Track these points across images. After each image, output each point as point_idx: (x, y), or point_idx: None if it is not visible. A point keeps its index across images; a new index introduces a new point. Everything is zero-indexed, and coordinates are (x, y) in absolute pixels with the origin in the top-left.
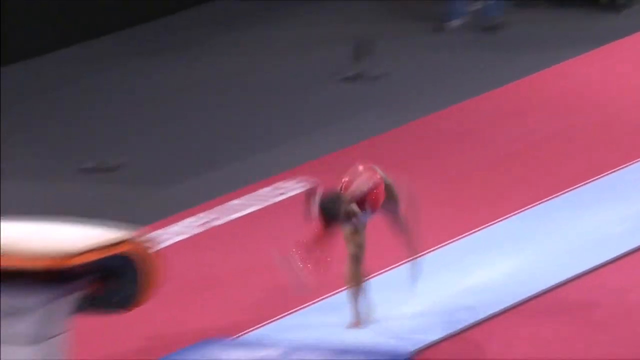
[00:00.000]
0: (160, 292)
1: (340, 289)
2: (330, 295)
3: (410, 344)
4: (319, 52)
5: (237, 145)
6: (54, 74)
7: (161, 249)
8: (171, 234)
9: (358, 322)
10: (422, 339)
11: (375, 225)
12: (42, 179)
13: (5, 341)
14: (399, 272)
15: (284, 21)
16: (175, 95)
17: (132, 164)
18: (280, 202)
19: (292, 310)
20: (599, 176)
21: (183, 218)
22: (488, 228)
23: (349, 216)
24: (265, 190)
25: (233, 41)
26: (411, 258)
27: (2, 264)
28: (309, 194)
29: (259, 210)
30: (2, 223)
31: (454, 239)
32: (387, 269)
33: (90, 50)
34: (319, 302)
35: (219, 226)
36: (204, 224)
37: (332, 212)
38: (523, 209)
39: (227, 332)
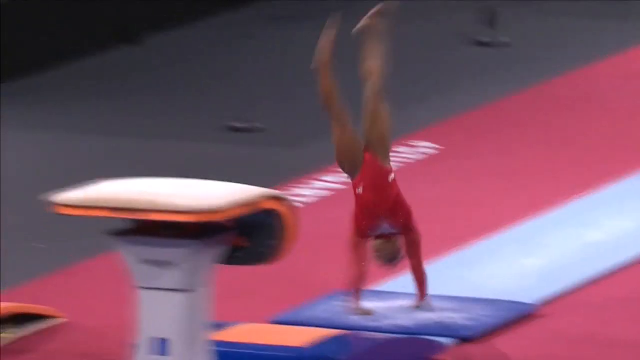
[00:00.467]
0: (295, 247)
1: (460, 245)
2: (459, 249)
3: (534, 296)
4: (452, 16)
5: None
6: (206, 39)
7: (299, 206)
8: (309, 191)
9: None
10: (545, 291)
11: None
12: (187, 138)
13: (156, 292)
14: (519, 229)
15: None
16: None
17: (274, 126)
18: (413, 161)
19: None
20: None
21: (319, 176)
22: (610, 186)
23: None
24: (400, 149)
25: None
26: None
27: (152, 217)
28: None
29: (395, 168)
30: (152, 180)
31: (579, 195)
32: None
33: (237, 17)
34: (448, 256)
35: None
36: (343, 180)
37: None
38: None
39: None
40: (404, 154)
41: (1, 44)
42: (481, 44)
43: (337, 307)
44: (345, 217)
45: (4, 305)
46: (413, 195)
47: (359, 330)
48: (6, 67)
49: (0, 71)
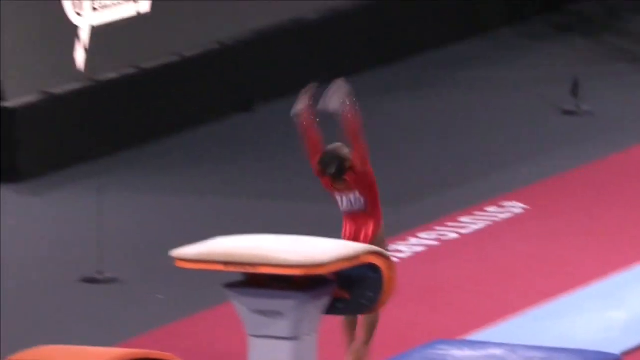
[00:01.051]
0: (397, 297)
1: (547, 299)
2: (547, 302)
3: (619, 347)
4: (538, 88)
5: (467, 168)
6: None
7: (400, 260)
8: (409, 246)
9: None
10: (629, 342)
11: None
12: (295, 198)
13: (265, 340)
14: (603, 284)
15: (507, 62)
16: (416, 124)
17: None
18: (502, 220)
19: (511, 316)
20: None
21: (419, 232)
22: None
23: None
24: (490, 208)
25: (466, 80)
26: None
27: (262, 270)
28: None
29: (486, 226)
30: (262, 236)
31: None
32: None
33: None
34: (535, 310)
35: (451, 240)
36: (437, 239)
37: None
38: None
39: (455, 333)
40: (495, 214)
41: (124, 114)
42: (566, 112)
43: (433, 355)
44: (439, 271)
45: (128, 350)
46: (504, 252)
47: None
48: (130, 135)
49: (120, 140)
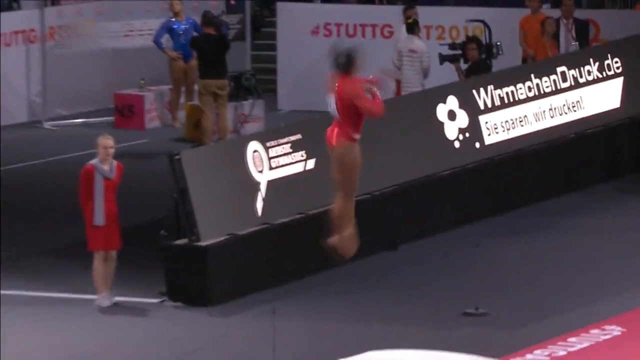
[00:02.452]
0: None
1: None
2: None
3: None
4: (631, 233)
5: (572, 298)
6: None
7: None
8: None
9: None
10: None
11: None
12: (428, 324)
13: None
14: None
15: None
16: (530, 262)
17: (495, 310)
18: (605, 340)
19: None
20: None
21: (535, 350)
22: None
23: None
24: (594, 331)
25: (569, 226)
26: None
27: None
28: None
29: (589, 345)
30: (403, 353)
31: None
32: None
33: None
34: None
35: (560, 356)
36: (549, 355)
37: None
38: None
39: None
40: (597, 335)
41: (293, 251)
42: None
43: None
44: None
45: None
46: None
47: None
48: (299, 267)
49: (291, 271)
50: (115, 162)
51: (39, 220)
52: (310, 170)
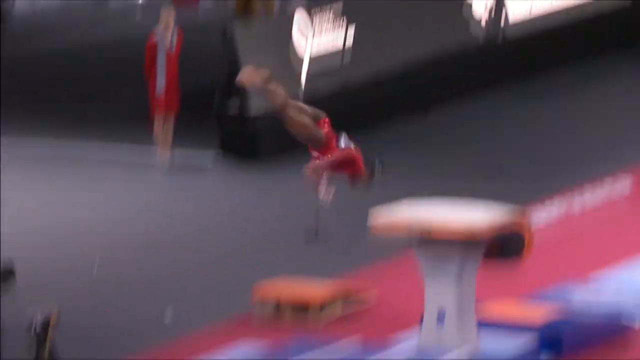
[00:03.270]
0: (535, 248)
1: None
2: None
3: None
4: None
5: (592, 151)
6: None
7: (535, 224)
8: (542, 214)
9: None
10: None
11: None
12: (460, 178)
13: (438, 281)
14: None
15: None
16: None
17: (517, 165)
18: (617, 192)
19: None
20: None
21: (551, 201)
22: None
23: None
24: (608, 182)
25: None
26: None
27: (436, 236)
28: None
29: (604, 196)
30: (436, 203)
31: None
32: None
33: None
34: None
35: (576, 205)
36: (567, 204)
37: None
38: None
39: (581, 275)
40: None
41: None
42: None
43: (562, 295)
44: (569, 225)
45: (334, 288)
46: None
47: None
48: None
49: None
50: (176, 34)
51: (108, 88)
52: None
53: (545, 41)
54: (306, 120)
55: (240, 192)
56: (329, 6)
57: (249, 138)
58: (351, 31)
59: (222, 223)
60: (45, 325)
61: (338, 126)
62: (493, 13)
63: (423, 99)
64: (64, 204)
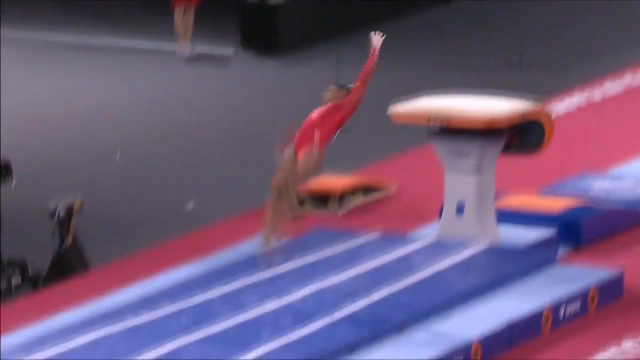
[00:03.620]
0: (554, 140)
1: None
2: None
3: None
4: None
5: (612, 46)
6: None
7: (555, 115)
8: (562, 105)
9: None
10: None
11: None
12: (475, 70)
13: (457, 173)
14: None
15: None
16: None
17: (537, 58)
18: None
19: None
20: None
21: (571, 94)
22: None
23: None
24: (628, 75)
25: None
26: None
27: (456, 125)
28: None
29: (623, 88)
30: (456, 96)
31: None
32: None
33: None
34: None
35: (596, 97)
36: (587, 97)
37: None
38: None
39: (599, 167)
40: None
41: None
42: None
43: (580, 185)
44: (587, 119)
45: (354, 179)
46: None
47: (601, 201)
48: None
49: (353, 25)
50: None
51: None
52: None
53: None
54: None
55: (260, 82)
56: None
57: (269, 28)
58: None
59: (242, 111)
60: (69, 212)
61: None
62: None
63: None
64: (85, 92)
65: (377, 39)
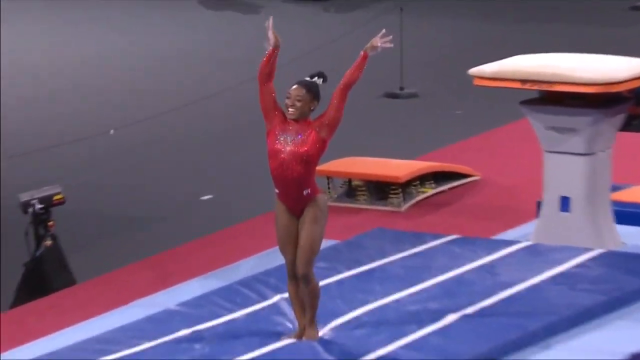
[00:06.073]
0: None
1: None
2: None
3: None
4: None
5: None
6: None
7: None
8: None
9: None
10: None
11: None
12: (590, 21)
13: (561, 155)
14: None
15: None
16: None
17: None
18: None
19: None
20: None
21: None
22: None
23: None
24: None
25: None
26: None
27: (557, 88)
28: None
29: None
30: (557, 55)
31: None
32: None
33: None
34: None
35: None
36: None
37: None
38: None
39: None
40: None
41: None
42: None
43: None
44: None
45: (425, 164)
46: None
47: None
48: None
49: None
50: None
51: None
52: None
53: None
54: None
55: (307, 37)
56: None
57: None
58: None
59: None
60: (47, 206)
61: None
62: None
63: None
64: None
65: (379, 40)
